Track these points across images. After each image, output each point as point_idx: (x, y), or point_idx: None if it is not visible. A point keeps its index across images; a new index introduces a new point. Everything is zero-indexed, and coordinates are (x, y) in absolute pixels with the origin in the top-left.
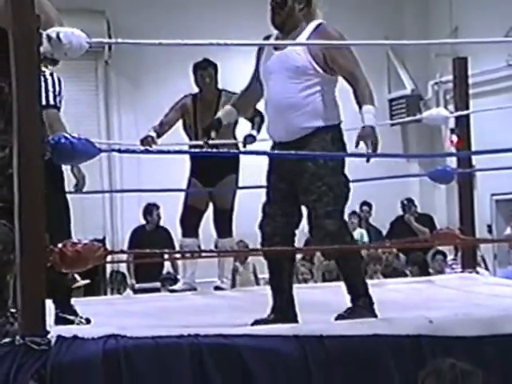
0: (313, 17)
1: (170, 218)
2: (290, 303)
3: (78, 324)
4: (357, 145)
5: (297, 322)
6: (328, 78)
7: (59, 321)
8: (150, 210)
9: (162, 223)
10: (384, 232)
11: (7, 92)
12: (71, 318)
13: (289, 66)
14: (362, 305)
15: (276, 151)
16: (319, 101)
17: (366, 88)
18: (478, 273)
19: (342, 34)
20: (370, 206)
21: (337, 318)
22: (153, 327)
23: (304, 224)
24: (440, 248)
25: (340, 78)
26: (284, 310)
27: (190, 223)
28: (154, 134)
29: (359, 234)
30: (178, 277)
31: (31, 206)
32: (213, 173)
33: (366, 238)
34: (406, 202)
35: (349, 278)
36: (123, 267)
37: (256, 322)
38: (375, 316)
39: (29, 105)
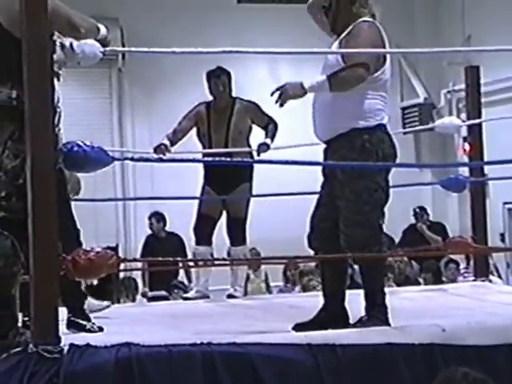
0: (359, 15)
1: (183, 226)
2: (341, 310)
3: (89, 329)
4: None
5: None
6: None
7: (71, 325)
8: (149, 218)
9: (175, 231)
10: (396, 240)
11: (24, 101)
12: (83, 322)
13: (325, 64)
14: (376, 314)
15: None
16: (347, 100)
17: (344, 75)
18: (490, 281)
19: (375, 32)
20: (383, 214)
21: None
22: (165, 335)
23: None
24: (452, 256)
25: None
26: (334, 316)
27: (203, 231)
28: (167, 142)
29: None
30: (191, 284)
31: (44, 214)
32: (226, 181)
33: None
34: (418, 210)
35: (369, 285)
36: (137, 274)
37: (298, 326)
38: (388, 326)
39: (41, 113)
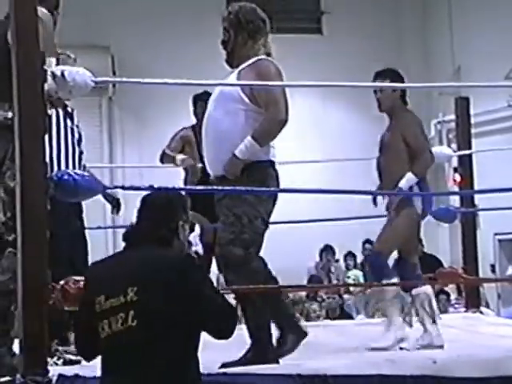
0: (258, 51)
1: None
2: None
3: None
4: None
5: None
6: (254, 109)
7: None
8: None
9: None
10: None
11: None
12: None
13: (219, 93)
14: (257, 350)
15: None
16: (238, 137)
17: (268, 127)
18: (481, 313)
19: (277, 72)
20: (372, 244)
21: (221, 366)
22: None
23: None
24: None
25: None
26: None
27: None
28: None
29: (354, 275)
30: None
31: (33, 243)
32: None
33: (361, 280)
34: None
35: (250, 319)
36: None
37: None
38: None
39: (32, 141)
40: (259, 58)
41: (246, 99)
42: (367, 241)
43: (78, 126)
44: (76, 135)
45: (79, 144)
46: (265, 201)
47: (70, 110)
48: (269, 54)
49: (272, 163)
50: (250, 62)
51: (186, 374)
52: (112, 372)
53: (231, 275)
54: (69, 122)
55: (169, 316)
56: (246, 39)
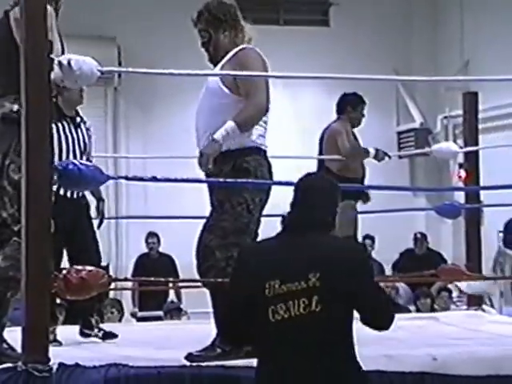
0: (240, 41)
1: (176, 246)
2: None
3: (94, 336)
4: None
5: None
6: (237, 100)
7: (82, 335)
8: (146, 238)
9: (167, 251)
10: (386, 266)
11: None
12: (88, 332)
13: (205, 88)
14: (213, 347)
15: None
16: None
17: (249, 112)
18: (483, 310)
19: (259, 58)
20: (373, 239)
21: (187, 357)
22: (155, 356)
23: None
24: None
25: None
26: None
27: None
28: None
29: None
30: (182, 306)
31: (37, 231)
32: None
33: None
34: (419, 236)
35: (216, 310)
36: (126, 294)
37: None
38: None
39: (38, 130)
40: (240, 47)
41: (227, 91)
42: (367, 236)
43: (88, 137)
44: (82, 144)
45: (83, 153)
46: (252, 188)
47: (78, 119)
48: (249, 40)
49: (262, 151)
50: (231, 53)
51: (354, 362)
52: (284, 353)
53: (204, 264)
54: (73, 132)
55: (346, 304)
56: (229, 31)
